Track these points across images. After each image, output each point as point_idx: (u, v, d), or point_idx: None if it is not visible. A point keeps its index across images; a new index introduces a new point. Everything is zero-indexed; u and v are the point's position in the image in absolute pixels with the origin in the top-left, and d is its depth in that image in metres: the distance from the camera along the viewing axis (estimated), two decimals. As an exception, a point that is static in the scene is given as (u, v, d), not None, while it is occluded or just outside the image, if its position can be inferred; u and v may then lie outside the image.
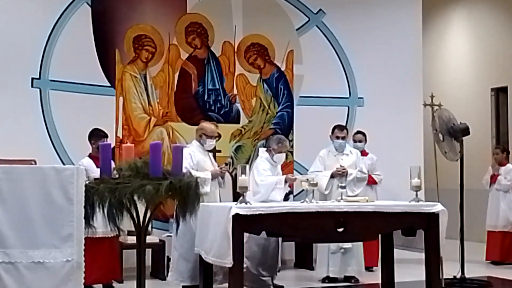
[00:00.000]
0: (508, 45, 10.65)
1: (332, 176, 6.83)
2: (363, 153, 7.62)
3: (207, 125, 6.40)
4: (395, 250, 5.97)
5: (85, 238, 4.23)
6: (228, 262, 4.76)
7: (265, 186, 6.32)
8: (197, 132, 6.38)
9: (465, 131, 6.88)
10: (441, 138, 6.82)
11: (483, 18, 11.28)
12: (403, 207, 5.40)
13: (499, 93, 10.95)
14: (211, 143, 6.30)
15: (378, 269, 7.33)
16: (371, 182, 7.65)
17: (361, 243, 6.87)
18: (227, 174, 6.56)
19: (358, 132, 7.92)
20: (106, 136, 6.42)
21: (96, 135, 6.44)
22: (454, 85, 11.52)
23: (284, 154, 6.47)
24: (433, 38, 11.77)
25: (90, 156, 6.40)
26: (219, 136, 8.10)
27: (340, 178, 6.71)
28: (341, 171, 6.84)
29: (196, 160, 6.11)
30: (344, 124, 7.86)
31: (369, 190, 7.47)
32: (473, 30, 11.49)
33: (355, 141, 7.78)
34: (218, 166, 6.37)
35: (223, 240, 4.80)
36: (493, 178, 8.61)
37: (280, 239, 6.35)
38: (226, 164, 6.48)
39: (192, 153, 6.08)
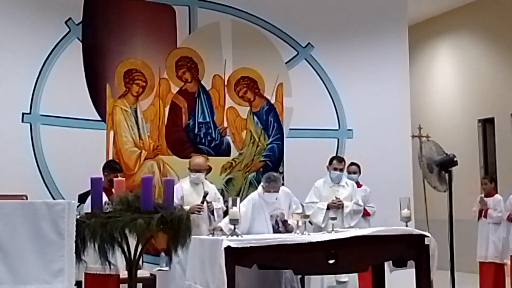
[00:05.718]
0: (494, 77, 10.81)
1: (328, 208, 6.78)
2: (358, 185, 7.64)
3: (192, 159, 6.61)
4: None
5: (99, 275, 4.18)
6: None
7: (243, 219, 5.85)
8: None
9: (453, 162, 6.94)
10: (429, 171, 6.87)
11: (469, 50, 11.46)
12: (393, 231, 5.44)
13: (486, 124, 11.07)
14: (194, 177, 6.43)
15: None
16: (365, 214, 7.63)
17: (356, 276, 6.83)
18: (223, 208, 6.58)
19: (352, 163, 7.91)
20: (120, 170, 6.12)
21: (110, 167, 6.14)
22: (441, 117, 11.65)
23: (273, 194, 6.22)
24: (420, 71, 11.92)
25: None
26: (209, 168, 8.16)
27: (336, 211, 6.63)
28: (337, 203, 6.81)
29: (181, 194, 6.20)
30: (340, 155, 7.83)
31: (362, 221, 7.45)
32: (459, 62, 11.66)
33: (349, 173, 7.76)
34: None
35: (218, 273, 4.79)
36: (482, 212, 8.54)
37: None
38: (204, 197, 6.48)
39: (179, 187, 6.17)
